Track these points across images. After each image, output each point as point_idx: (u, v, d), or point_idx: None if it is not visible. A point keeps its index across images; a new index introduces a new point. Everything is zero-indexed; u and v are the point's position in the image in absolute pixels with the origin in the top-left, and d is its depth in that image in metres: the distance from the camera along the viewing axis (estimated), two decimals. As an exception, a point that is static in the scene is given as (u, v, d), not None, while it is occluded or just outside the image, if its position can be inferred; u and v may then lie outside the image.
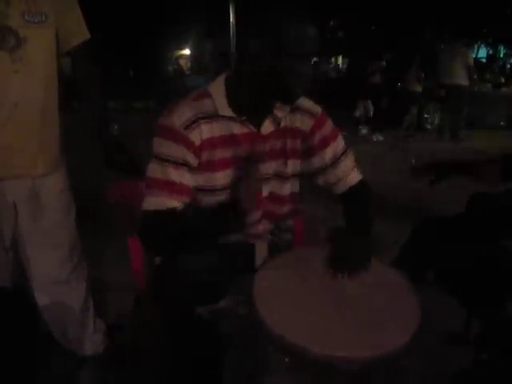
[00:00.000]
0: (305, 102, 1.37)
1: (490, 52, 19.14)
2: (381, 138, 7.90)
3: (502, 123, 9.08)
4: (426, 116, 9.16)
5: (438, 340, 1.92)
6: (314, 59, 17.50)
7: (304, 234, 1.66)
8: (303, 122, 1.37)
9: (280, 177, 1.37)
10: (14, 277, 1.64)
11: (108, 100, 1.77)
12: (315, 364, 0.91)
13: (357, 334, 0.95)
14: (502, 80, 10.68)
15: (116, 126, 1.69)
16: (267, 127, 1.30)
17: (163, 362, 1.35)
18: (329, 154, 1.39)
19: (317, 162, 1.41)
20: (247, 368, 1.08)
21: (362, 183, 1.45)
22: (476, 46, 18.98)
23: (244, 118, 1.26)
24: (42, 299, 1.67)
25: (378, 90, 8.32)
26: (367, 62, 8.49)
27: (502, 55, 19.61)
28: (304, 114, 1.37)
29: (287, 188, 1.40)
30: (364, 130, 8.18)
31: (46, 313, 1.70)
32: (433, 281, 1.87)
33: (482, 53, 19.18)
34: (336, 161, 1.40)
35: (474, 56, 11.61)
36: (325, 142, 1.39)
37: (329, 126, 1.41)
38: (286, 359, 0.94)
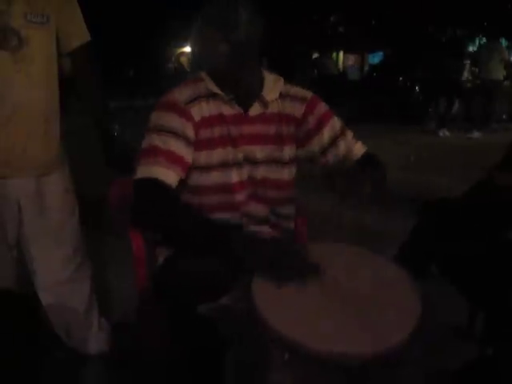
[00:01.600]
0: (293, 89, 1.41)
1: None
2: (477, 134, 7.68)
3: (504, 116, 9.04)
4: (430, 110, 9.11)
5: (443, 335, 1.92)
6: (315, 55, 17.45)
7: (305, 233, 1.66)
8: (294, 108, 1.38)
9: (277, 162, 1.38)
10: (17, 276, 1.64)
11: (109, 99, 1.77)
12: (315, 360, 0.90)
13: (356, 329, 0.95)
14: (504, 73, 10.60)
15: (116, 126, 1.70)
16: (254, 109, 1.33)
17: (166, 360, 1.35)
18: (326, 134, 1.39)
19: (315, 144, 1.40)
20: (247, 365, 1.08)
21: (367, 154, 1.44)
22: (477, 40, 18.88)
23: (232, 96, 1.30)
24: (45, 298, 1.68)
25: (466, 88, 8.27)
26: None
27: (503, 48, 19.51)
28: (294, 100, 1.39)
29: (285, 173, 1.40)
30: (446, 132, 7.91)
31: (50, 312, 1.70)
32: (436, 275, 1.87)
33: (484, 46, 19.07)
34: (335, 140, 1.40)
35: (474, 49, 11.62)
36: (320, 124, 1.39)
37: (321, 108, 1.41)
38: (286, 355, 0.94)
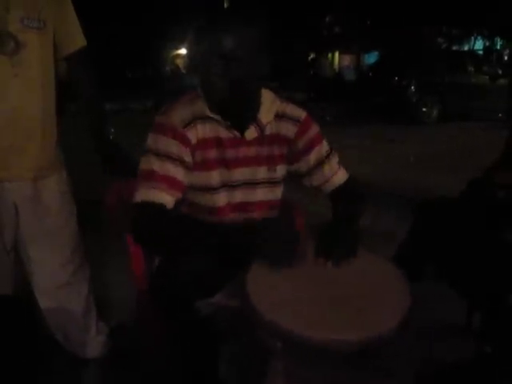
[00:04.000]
0: (289, 108, 1.39)
1: (487, 44, 19.10)
2: None
3: (499, 115, 9.07)
4: (423, 110, 9.15)
5: (441, 333, 1.93)
6: (311, 56, 17.44)
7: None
8: (288, 129, 1.38)
9: (271, 183, 1.39)
10: (15, 279, 1.64)
11: (105, 102, 1.77)
12: (308, 347, 0.92)
13: (349, 317, 0.98)
14: (500, 72, 10.65)
15: (112, 129, 1.70)
16: (251, 133, 1.33)
17: (165, 360, 1.35)
18: (313, 157, 1.41)
19: (302, 165, 1.43)
20: (242, 357, 1.09)
21: (349, 181, 1.47)
22: (472, 38, 18.95)
23: (228, 122, 1.29)
24: (44, 302, 1.67)
25: None
26: None
27: (498, 47, 19.59)
28: (288, 121, 1.38)
29: (278, 193, 1.43)
30: None
31: (48, 315, 1.70)
32: (433, 275, 1.88)
33: (479, 45, 19.16)
34: (320, 163, 1.42)
35: (470, 48, 11.61)
36: (309, 147, 1.40)
37: (313, 130, 1.42)
38: (279, 344, 0.95)
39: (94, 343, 1.80)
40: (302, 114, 1.41)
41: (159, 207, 1.21)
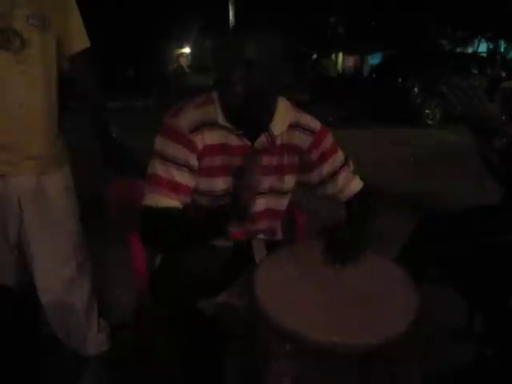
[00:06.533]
0: (303, 118, 1.38)
1: (491, 46, 19.07)
2: None
3: (503, 118, 9.03)
4: (427, 112, 9.14)
5: (442, 336, 1.92)
6: (314, 56, 17.42)
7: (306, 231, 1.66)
8: (302, 139, 1.37)
9: (277, 192, 1.38)
10: (18, 276, 1.64)
11: (108, 100, 1.78)
12: (316, 351, 0.92)
13: (356, 320, 0.97)
14: (503, 74, 10.62)
15: (114, 127, 1.71)
16: (261, 143, 1.31)
17: (166, 359, 1.35)
18: (326, 168, 1.40)
19: (314, 176, 1.42)
20: (248, 359, 1.09)
21: (363, 190, 1.47)
22: (476, 41, 18.93)
23: (240, 132, 1.28)
24: (46, 298, 1.68)
25: None
26: None
27: (502, 49, 19.56)
28: (303, 131, 1.37)
29: (284, 203, 1.43)
30: None
31: (50, 312, 1.70)
32: (436, 277, 1.87)
33: (483, 47, 19.13)
34: (334, 174, 1.41)
35: (474, 50, 11.58)
36: (322, 159, 1.39)
37: (328, 141, 1.40)
38: (287, 347, 0.95)
39: (95, 340, 1.80)
40: (317, 125, 1.39)
41: (166, 212, 1.22)
